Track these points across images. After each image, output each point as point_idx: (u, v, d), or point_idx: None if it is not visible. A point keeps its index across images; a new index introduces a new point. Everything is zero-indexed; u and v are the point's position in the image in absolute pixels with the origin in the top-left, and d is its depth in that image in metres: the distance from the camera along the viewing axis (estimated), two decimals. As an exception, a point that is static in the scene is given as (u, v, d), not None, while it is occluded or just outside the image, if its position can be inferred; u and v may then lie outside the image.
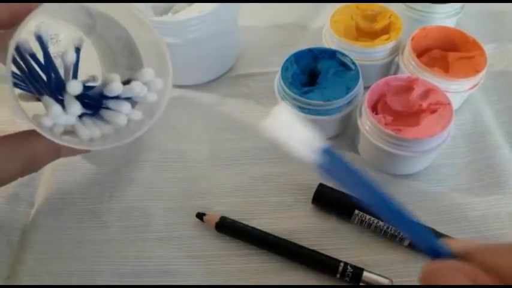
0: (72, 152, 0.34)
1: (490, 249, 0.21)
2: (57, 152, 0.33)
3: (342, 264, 0.33)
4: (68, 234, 0.36)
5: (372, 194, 0.18)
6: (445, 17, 0.46)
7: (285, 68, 0.40)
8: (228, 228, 0.36)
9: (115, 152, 0.41)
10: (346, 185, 0.18)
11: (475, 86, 0.41)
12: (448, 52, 0.43)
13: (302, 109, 0.39)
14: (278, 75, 0.40)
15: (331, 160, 0.17)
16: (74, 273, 0.34)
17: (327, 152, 0.18)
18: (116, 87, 0.30)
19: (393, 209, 0.18)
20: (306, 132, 0.18)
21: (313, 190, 0.37)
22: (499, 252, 0.20)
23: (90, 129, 0.31)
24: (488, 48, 0.43)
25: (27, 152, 0.31)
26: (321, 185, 0.37)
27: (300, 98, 0.38)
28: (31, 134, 0.30)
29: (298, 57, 0.41)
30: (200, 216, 0.37)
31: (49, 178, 0.39)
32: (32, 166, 0.32)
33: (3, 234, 0.36)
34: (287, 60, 0.40)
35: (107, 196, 0.38)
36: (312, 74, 0.41)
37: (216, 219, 0.36)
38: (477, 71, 0.40)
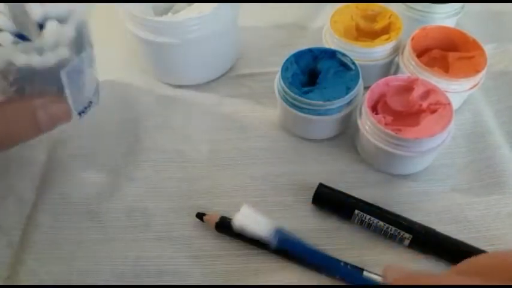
0: (51, 121, 0.32)
1: (404, 277, 0.21)
2: (35, 125, 0.31)
3: (341, 264, 0.33)
4: (68, 234, 0.36)
5: (320, 257, 0.23)
6: (445, 17, 0.46)
7: (285, 68, 0.40)
8: (228, 228, 0.36)
9: (115, 151, 0.41)
10: (297, 253, 0.23)
11: (475, 86, 0.41)
12: (448, 52, 0.43)
13: (302, 109, 0.39)
14: (278, 75, 0.40)
15: (284, 238, 0.23)
16: (74, 273, 0.34)
17: (280, 233, 0.23)
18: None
19: (340, 268, 0.24)
20: (264, 220, 0.23)
21: (313, 190, 0.37)
22: (409, 279, 0.21)
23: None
24: (488, 48, 0.43)
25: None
26: (321, 185, 0.37)
27: (300, 98, 0.38)
28: (3, 108, 0.29)
29: (298, 57, 0.41)
30: (200, 216, 0.37)
31: (49, 178, 0.40)
32: (10, 141, 0.30)
33: (3, 234, 0.36)
34: (287, 60, 0.40)
35: (107, 196, 0.38)
36: (312, 74, 0.41)
37: (216, 219, 0.36)
38: (477, 71, 0.40)
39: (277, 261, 0.35)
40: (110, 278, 0.34)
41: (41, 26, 0.31)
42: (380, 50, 0.43)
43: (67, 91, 0.34)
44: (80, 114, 0.38)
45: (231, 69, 0.48)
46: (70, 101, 0.36)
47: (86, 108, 0.38)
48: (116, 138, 0.43)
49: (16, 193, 0.38)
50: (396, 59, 0.44)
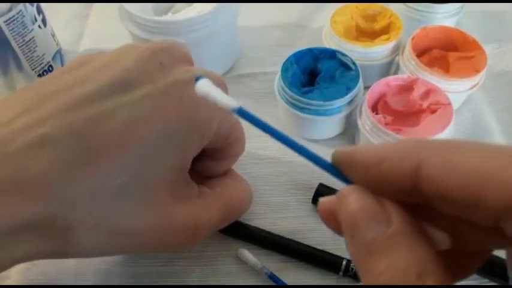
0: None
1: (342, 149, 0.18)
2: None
3: (345, 261, 0.33)
4: (68, 234, 0.36)
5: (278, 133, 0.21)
6: (445, 16, 0.46)
7: (285, 68, 0.40)
8: (228, 228, 0.36)
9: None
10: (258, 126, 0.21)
11: (475, 86, 0.41)
12: (448, 52, 0.43)
13: (302, 109, 0.39)
14: (278, 75, 0.40)
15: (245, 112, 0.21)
16: (74, 273, 0.34)
17: (240, 111, 0.21)
18: None
19: (292, 141, 0.21)
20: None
21: (313, 190, 0.37)
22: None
23: None
24: (488, 48, 0.43)
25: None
26: (321, 185, 0.37)
27: (300, 98, 0.38)
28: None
29: (298, 57, 0.41)
30: (200, 216, 0.36)
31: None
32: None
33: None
34: (287, 60, 0.40)
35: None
36: (312, 74, 0.41)
37: (216, 219, 0.36)
38: (477, 71, 0.40)
39: (278, 261, 0.35)
40: (110, 278, 0.34)
41: None
42: (380, 49, 0.42)
43: (13, 44, 0.38)
44: (40, 77, 0.42)
45: (231, 69, 0.48)
46: (21, 57, 0.38)
47: (46, 72, 0.41)
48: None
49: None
50: (396, 58, 0.44)
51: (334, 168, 0.18)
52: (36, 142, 0.22)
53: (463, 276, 0.18)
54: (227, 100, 0.20)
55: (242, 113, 0.20)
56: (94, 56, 0.28)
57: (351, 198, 0.16)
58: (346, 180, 0.18)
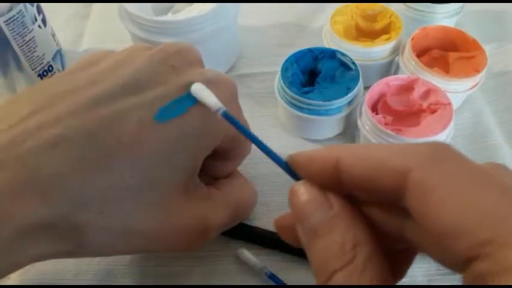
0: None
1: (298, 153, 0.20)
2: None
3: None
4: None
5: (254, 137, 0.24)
6: (445, 16, 0.46)
7: (285, 68, 0.40)
8: (228, 228, 0.36)
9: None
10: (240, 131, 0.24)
11: (475, 86, 0.41)
12: (448, 52, 0.43)
13: (302, 109, 0.39)
14: (278, 75, 0.40)
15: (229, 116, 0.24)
16: (73, 273, 0.34)
17: (225, 115, 0.24)
18: None
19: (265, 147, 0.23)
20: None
21: (313, 190, 0.37)
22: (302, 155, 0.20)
23: None
24: (488, 48, 0.43)
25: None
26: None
27: (300, 98, 0.38)
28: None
29: (298, 57, 0.41)
30: (200, 216, 0.36)
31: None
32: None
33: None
34: (287, 60, 0.40)
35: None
36: (312, 74, 0.41)
37: (216, 219, 0.36)
38: (477, 71, 0.40)
39: (279, 261, 0.35)
40: (110, 278, 0.34)
41: None
42: (380, 49, 0.43)
43: (13, 44, 0.38)
44: (40, 77, 0.42)
45: (231, 69, 0.48)
46: (21, 57, 0.38)
47: (46, 72, 0.41)
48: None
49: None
50: (396, 58, 0.44)
51: (288, 167, 0.21)
52: (49, 142, 0.22)
53: (401, 274, 0.21)
54: (216, 102, 0.24)
55: (226, 115, 0.24)
56: (102, 56, 0.28)
57: (299, 192, 0.19)
58: (297, 177, 0.21)
